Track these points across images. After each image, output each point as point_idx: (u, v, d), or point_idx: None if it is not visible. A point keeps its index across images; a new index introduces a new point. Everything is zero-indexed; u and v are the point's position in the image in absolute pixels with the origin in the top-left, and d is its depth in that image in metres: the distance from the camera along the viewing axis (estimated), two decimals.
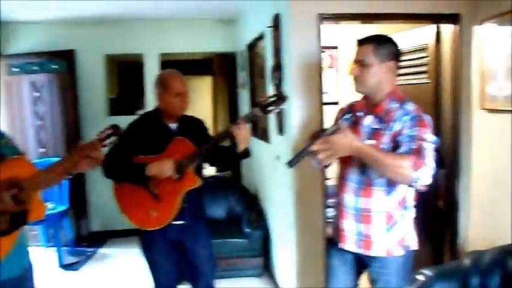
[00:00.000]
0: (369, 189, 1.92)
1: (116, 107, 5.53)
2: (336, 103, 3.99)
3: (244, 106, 4.82)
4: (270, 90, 3.33)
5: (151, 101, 5.14)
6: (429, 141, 1.78)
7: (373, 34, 1.97)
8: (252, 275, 3.89)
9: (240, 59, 5.00)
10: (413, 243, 2.00)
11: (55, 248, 4.41)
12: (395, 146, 1.83)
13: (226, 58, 6.37)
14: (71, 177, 1.96)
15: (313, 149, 1.77)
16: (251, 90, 4.47)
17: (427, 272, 2.19)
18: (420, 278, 2.16)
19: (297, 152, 1.89)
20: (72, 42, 4.89)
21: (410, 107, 1.89)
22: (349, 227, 1.98)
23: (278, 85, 3.09)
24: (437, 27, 3.02)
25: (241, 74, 4.98)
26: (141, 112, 5.06)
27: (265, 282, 3.84)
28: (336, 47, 4.46)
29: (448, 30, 2.97)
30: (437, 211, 3.12)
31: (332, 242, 2.14)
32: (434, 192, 3.03)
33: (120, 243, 4.99)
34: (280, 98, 2.25)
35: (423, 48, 3.14)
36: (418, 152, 1.72)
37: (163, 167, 2.24)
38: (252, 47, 4.31)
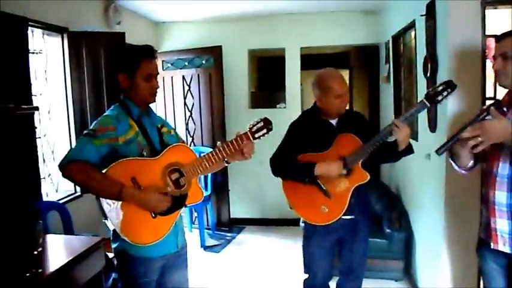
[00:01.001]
0: None
1: (256, 100, 5.74)
2: (492, 98, 3.56)
3: (388, 100, 4.59)
4: (422, 83, 3.11)
5: (291, 95, 5.23)
6: None
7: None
8: (390, 277, 3.69)
9: (383, 51, 4.77)
10: None
11: (198, 231, 4.75)
12: None
13: (365, 50, 6.17)
14: (227, 165, 2.07)
15: (465, 136, 1.70)
16: (395, 83, 4.24)
17: None
18: None
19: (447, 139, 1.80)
20: (219, 38, 5.17)
21: None
22: (502, 226, 1.80)
23: (431, 77, 2.86)
24: None
25: (384, 67, 4.74)
26: (283, 106, 5.26)
27: (404, 287, 3.64)
28: (495, 36, 3.99)
29: None
30: None
31: (482, 243, 1.93)
32: None
33: (257, 231, 5.21)
34: (450, 86, 2.10)
35: None
36: None
37: (331, 167, 2.27)
38: (398, 37, 4.08)
